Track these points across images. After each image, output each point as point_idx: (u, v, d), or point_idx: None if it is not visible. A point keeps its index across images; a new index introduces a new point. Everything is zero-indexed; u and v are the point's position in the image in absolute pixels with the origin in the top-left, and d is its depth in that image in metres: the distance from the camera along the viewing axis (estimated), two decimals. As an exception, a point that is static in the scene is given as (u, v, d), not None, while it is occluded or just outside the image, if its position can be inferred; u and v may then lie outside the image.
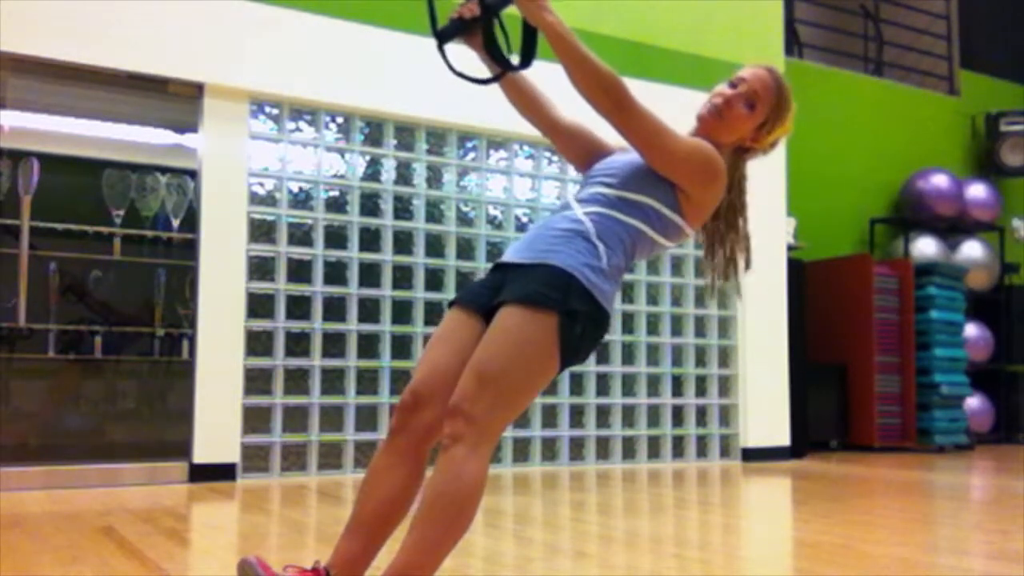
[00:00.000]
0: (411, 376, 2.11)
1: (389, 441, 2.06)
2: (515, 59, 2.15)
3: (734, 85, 2.21)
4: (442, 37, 2.14)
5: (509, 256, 2.13)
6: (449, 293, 5.65)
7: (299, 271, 5.31)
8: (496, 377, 1.93)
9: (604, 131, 2.23)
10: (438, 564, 1.91)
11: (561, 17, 2.04)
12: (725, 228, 2.26)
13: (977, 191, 8.64)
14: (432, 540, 1.88)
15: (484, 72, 2.22)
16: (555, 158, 6.10)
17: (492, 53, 2.13)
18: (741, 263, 2.30)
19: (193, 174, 5.18)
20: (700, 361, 6.56)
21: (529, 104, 2.29)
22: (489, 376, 1.93)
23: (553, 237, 2.06)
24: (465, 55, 2.19)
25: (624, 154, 2.21)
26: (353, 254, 5.45)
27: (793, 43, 8.28)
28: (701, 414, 6.55)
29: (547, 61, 2.11)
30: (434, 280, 5.67)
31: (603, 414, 6.17)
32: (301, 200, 5.37)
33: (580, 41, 2.02)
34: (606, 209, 2.08)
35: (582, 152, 2.30)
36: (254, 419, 5.11)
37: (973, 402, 8.10)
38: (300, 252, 5.32)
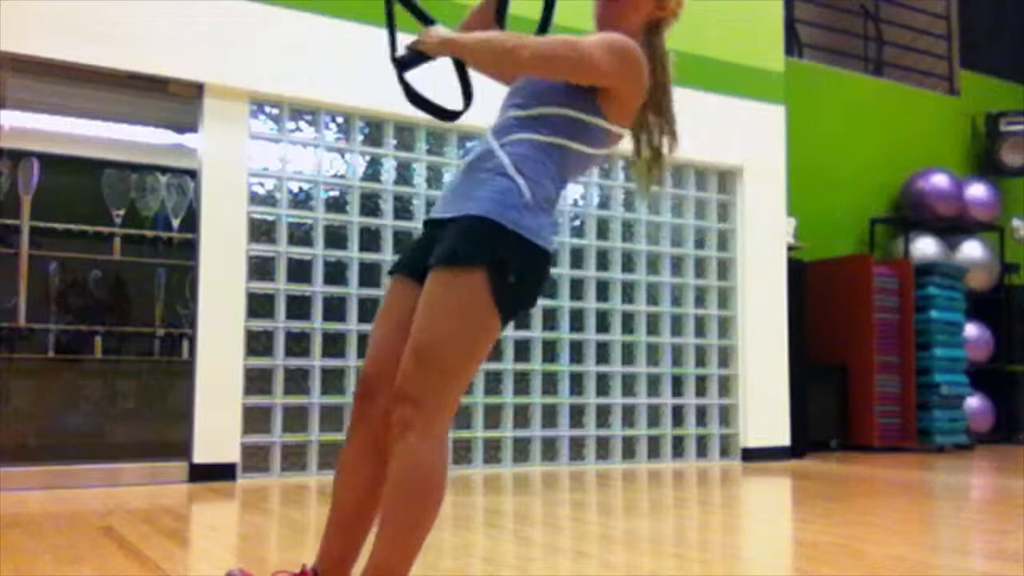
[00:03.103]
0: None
1: (352, 433, 2.02)
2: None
3: None
4: (402, 66, 2.10)
5: (436, 210, 2.05)
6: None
7: (299, 271, 5.31)
8: (434, 353, 1.86)
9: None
10: (414, 554, 1.88)
11: (453, 33, 2.03)
12: (653, 113, 2.10)
13: (977, 191, 8.63)
14: (403, 532, 1.85)
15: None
16: (555, 158, 6.10)
17: (420, 106, 2.11)
18: (667, 149, 2.13)
19: (193, 174, 5.18)
20: (700, 361, 6.56)
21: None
22: (427, 353, 1.85)
23: (471, 182, 1.97)
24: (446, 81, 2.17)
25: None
26: (353, 254, 5.45)
27: (793, 43, 8.27)
28: (701, 414, 6.55)
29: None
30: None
31: (603, 414, 6.16)
32: (301, 200, 5.37)
33: (476, 38, 2.00)
34: (521, 134, 1.98)
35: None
36: (254, 419, 5.11)
37: (973, 402, 8.10)
38: (300, 252, 5.32)
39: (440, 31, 2.05)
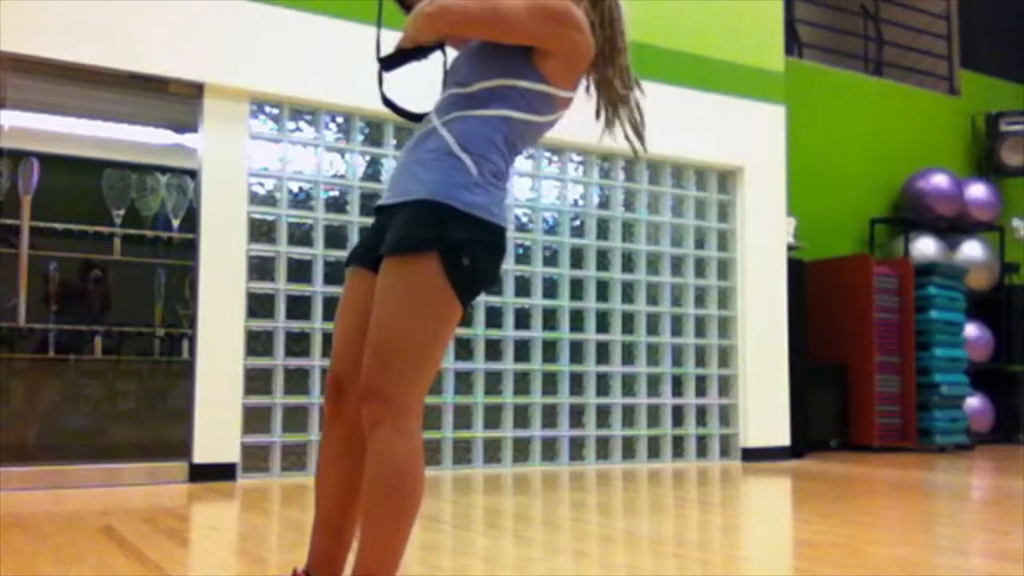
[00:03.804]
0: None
1: (327, 431, 2.00)
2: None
3: None
4: (387, 65, 2.05)
5: (384, 197, 1.99)
6: (449, 293, 5.64)
7: (299, 271, 5.31)
8: (394, 345, 1.81)
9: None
10: (400, 551, 1.86)
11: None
12: (607, 70, 2.02)
13: (977, 191, 8.64)
14: (385, 531, 1.82)
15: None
16: (555, 158, 6.10)
17: (393, 109, 2.07)
18: (632, 103, 2.05)
19: (193, 174, 5.18)
20: (700, 361, 6.56)
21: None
22: (386, 348, 1.81)
23: (416, 164, 1.90)
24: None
25: (464, 48, 2.05)
26: (353, 254, 5.44)
27: (793, 43, 8.28)
28: (701, 414, 6.55)
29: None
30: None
31: (603, 414, 6.17)
32: (301, 200, 5.37)
33: (444, 8, 1.91)
34: (462, 111, 1.91)
35: None
36: (254, 419, 5.11)
37: (973, 402, 8.10)
38: (300, 252, 5.32)
39: (423, 8, 1.97)
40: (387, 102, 2.08)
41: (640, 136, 2.06)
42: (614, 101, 2.04)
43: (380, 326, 1.83)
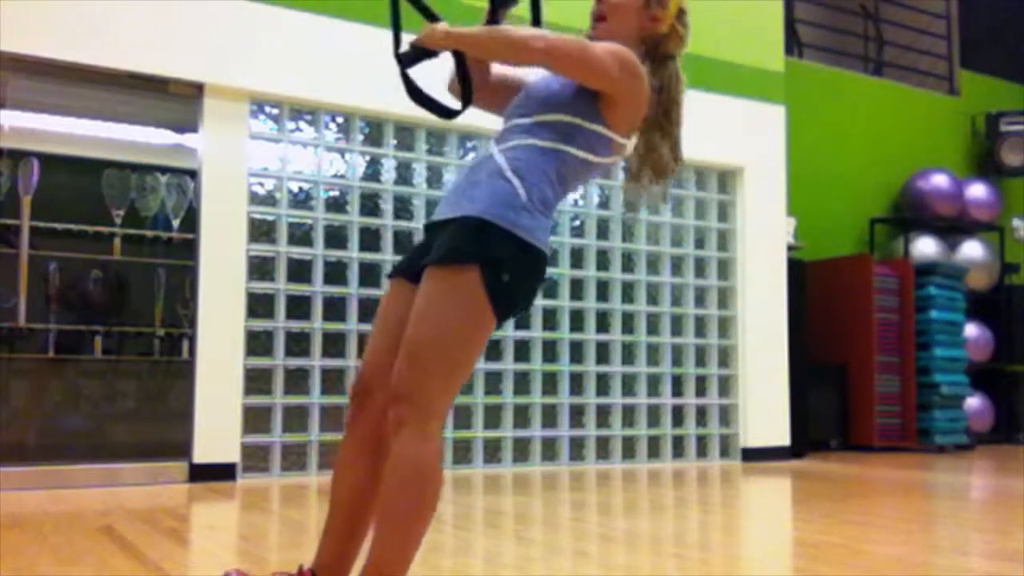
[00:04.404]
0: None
1: (348, 432, 2.03)
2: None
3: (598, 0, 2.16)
4: (404, 62, 2.10)
5: (435, 214, 2.06)
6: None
7: (299, 271, 5.31)
8: (427, 350, 1.87)
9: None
10: (413, 551, 1.88)
11: (457, 27, 2.02)
12: (655, 135, 2.12)
13: (977, 191, 8.64)
14: (400, 530, 1.85)
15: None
16: (555, 158, 6.10)
17: (421, 103, 2.11)
18: (671, 169, 2.14)
19: (193, 174, 5.18)
20: (700, 361, 6.56)
21: (489, 99, 2.23)
22: (420, 351, 1.86)
23: (470, 186, 1.99)
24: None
25: (534, 83, 2.14)
26: (353, 254, 5.45)
27: (793, 43, 8.28)
28: (701, 414, 6.55)
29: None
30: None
31: (603, 414, 6.16)
32: (301, 200, 5.37)
33: (477, 29, 2.01)
34: (523, 139, 1.99)
35: (505, 100, 2.20)
36: (254, 419, 5.11)
37: (973, 402, 8.10)
38: (300, 252, 5.32)
39: (444, 27, 2.05)
40: (418, 97, 2.11)
41: (656, 202, 2.15)
42: (653, 166, 2.12)
43: (415, 330, 1.88)
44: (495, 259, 1.87)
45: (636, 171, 2.13)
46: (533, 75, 2.13)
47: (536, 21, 2.16)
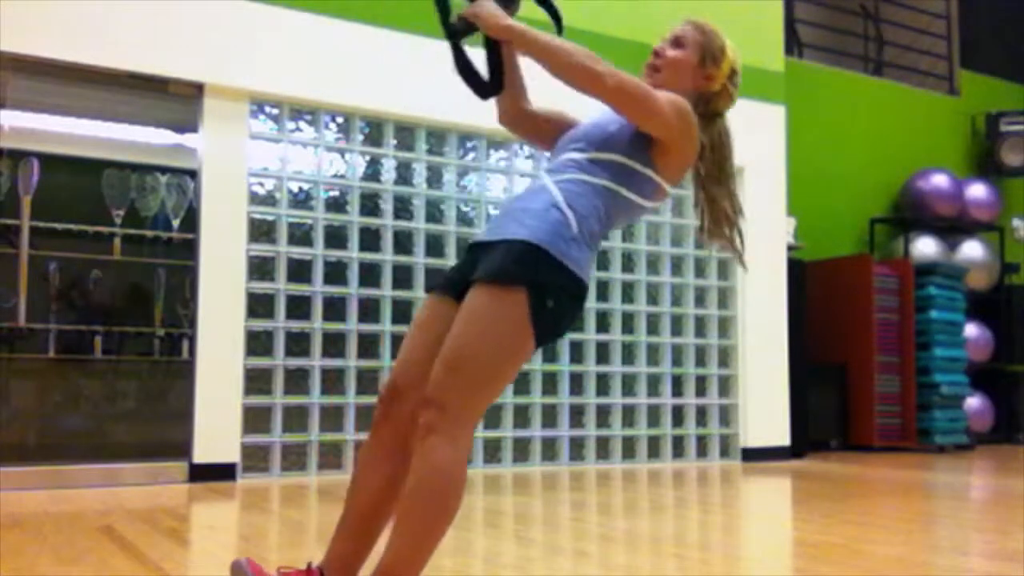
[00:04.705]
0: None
1: (372, 435, 2.04)
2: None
3: (656, 53, 2.21)
4: (454, 35, 2.10)
5: (481, 235, 2.10)
6: (449, 293, 5.64)
7: (299, 271, 5.31)
8: (466, 362, 1.89)
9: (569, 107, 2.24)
10: (426, 558, 1.90)
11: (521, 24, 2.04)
12: (715, 189, 2.19)
13: (977, 191, 8.64)
14: (417, 534, 1.87)
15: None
16: (555, 158, 6.10)
17: (467, 78, 2.12)
18: (735, 220, 2.21)
19: (193, 174, 5.18)
20: (700, 361, 6.56)
21: (520, 122, 2.28)
22: (459, 361, 1.89)
23: (522, 211, 2.02)
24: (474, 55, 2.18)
25: (590, 119, 2.18)
26: (353, 254, 5.45)
27: (793, 43, 8.28)
28: (701, 414, 6.55)
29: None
30: (434, 280, 5.66)
31: (603, 414, 6.17)
32: (301, 200, 5.37)
33: (545, 35, 2.02)
34: (577, 174, 2.04)
35: (551, 136, 2.25)
36: (254, 419, 5.11)
37: (973, 402, 8.11)
38: (300, 252, 5.32)
39: (491, 7, 2.04)
40: (466, 71, 2.12)
41: (740, 253, 2.21)
42: (720, 219, 2.19)
43: (457, 341, 1.91)
44: (543, 284, 1.91)
45: (708, 225, 2.20)
46: (592, 110, 2.17)
47: (556, 22, 2.15)
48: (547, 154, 2.26)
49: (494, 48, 2.12)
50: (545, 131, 2.27)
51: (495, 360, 1.93)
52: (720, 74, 2.24)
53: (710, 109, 2.23)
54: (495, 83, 2.14)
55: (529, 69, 2.19)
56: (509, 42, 2.08)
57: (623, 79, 1.99)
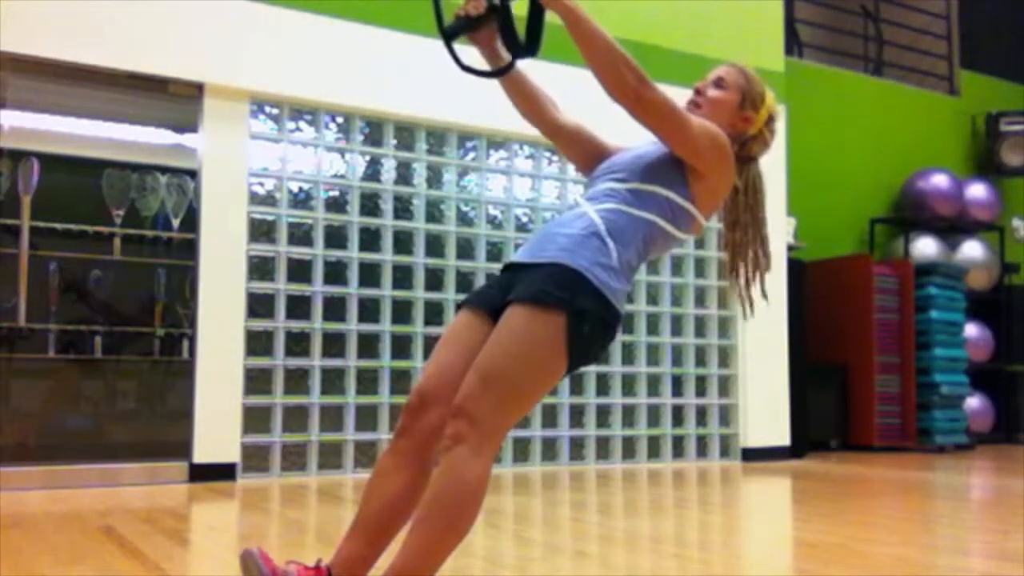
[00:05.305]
0: (412, 377, 2.11)
1: (395, 442, 2.05)
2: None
3: (698, 91, 2.26)
4: (449, 35, 2.13)
5: (519, 256, 2.12)
6: (449, 293, 5.65)
7: (299, 271, 5.31)
8: (500, 377, 1.91)
9: (604, 133, 2.23)
10: (438, 565, 1.90)
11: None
12: (745, 233, 2.25)
13: (977, 191, 8.64)
14: (432, 541, 1.88)
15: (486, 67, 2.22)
16: (555, 158, 6.10)
17: (507, 41, 2.11)
18: (763, 266, 2.27)
19: (193, 174, 5.18)
20: (700, 361, 6.56)
21: (531, 105, 2.30)
22: (493, 376, 1.91)
23: (563, 236, 2.04)
24: (468, 53, 2.19)
25: (630, 150, 2.21)
26: (353, 254, 5.45)
27: (793, 43, 8.27)
28: (701, 414, 6.55)
29: (552, 62, 2.10)
30: (434, 280, 5.67)
31: (603, 414, 6.17)
32: (301, 200, 5.37)
33: (607, 36, 1.98)
34: (617, 204, 2.07)
35: (585, 153, 2.30)
36: (254, 419, 5.11)
37: (973, 402, 8.11)
38: (300, 252, 5.32)
39: None
40: (465, 68, 2.14)
41: (751, 300, 2.28)
42: (745, 263, 2.24)
43: (493, 357, 1.93)
44: (581, 310, 1.93)
45: (731, 269, 2.25)
46: (614, 142, 2.21)
47: (531, 29, 2.10)
48: (580, 174, 2.30)
49: (538, 12, 2.07)
50: (576, 149, 2.30)
51: (528, 380, 1.95)
52: (759, 119, 2.25)
53: (745, 152, 2.25)
54: (531, 47, 2.08)
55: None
56: (555, 12, 2.01)
57: (655, 91, 2.00)
